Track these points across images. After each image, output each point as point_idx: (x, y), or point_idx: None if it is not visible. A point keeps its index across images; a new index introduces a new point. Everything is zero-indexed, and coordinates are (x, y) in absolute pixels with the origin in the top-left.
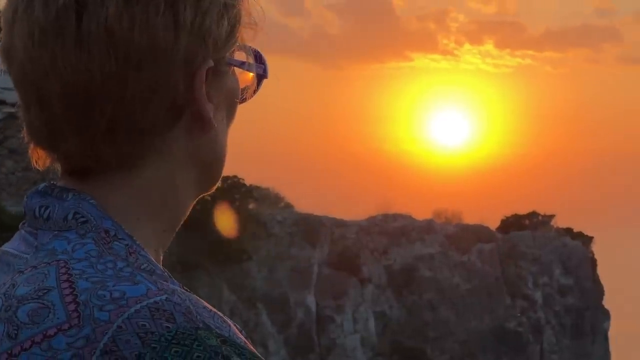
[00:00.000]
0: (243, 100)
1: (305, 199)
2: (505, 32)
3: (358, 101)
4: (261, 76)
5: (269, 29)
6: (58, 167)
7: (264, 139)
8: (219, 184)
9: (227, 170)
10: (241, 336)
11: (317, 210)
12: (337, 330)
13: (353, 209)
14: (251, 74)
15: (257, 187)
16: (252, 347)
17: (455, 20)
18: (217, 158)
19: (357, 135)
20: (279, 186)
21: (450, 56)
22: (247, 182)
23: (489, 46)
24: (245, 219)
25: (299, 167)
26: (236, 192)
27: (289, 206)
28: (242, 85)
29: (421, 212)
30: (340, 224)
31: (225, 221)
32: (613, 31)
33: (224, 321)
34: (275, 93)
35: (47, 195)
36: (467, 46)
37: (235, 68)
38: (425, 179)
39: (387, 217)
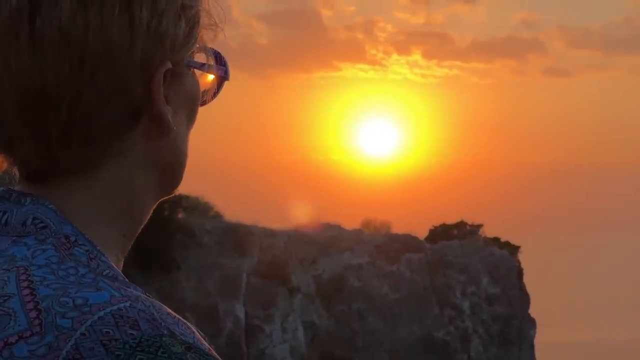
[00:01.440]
0: (204, 103)
1: (235, 208)
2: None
3: (287, 111)
4: (222, 78)
5: None
6: (15, 171)
7: (193, 147)
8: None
9: None
10: (205, 343)
11: (247, 220)
12: (266, 340)
13: (282, 218)
14: (212, 76)
15: (186, 197)
16: (216, 354)
17: (383, 30)
18: (177, 161)
19: (286, 145)
20: (208, 195)
21: (379, 66)
22: (176, 191)
23: (416, 56)
24: (174, 228)
25: (229, 176)
26: (165, 201)
27: (218, 215)
28: (203, 88)
29: (350, 222)
30: (270, 233)
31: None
32: (538, 43)
33: (188, 328)
34: None
35: (5, 201)
36: (395, 56)
37: (196, 70)
38: (354, 189)
39: (316, 227)
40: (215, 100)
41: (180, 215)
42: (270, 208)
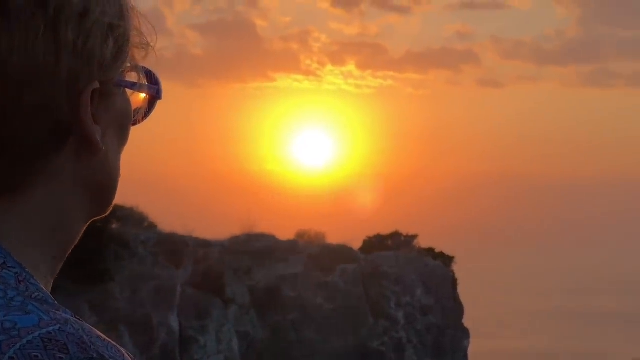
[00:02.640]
0: (135, 122)
1: (169, 219)
2: (367, 54)
3: (221, 121)
4: (154, 97)
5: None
6: None
7: (127, 157)
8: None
9: None
10: None
11: (181, 230)
12: (200, 351)
13: (217, 228)
14: (143, 95)
15: (121, 207)
16: None
17: (318, 40)
18: (108, 181)
19: (221, 155)
20: (142, 205)
21: (313, 77)
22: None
23: (351, 67)
24: (107, 238)
25: (163, 186)
26: None
27: (152, 226)
28: (134, 107)
29: (285, 232)
30: (204, 244)
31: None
32: (472, 54)
33: (118, 350)
34: None
35: None
36: (329, 67)
37: (128, 89)
38: (289, 199)
39: (250, 237)
40: (155, 110)
41: (114, 226)
42: (205, 218)
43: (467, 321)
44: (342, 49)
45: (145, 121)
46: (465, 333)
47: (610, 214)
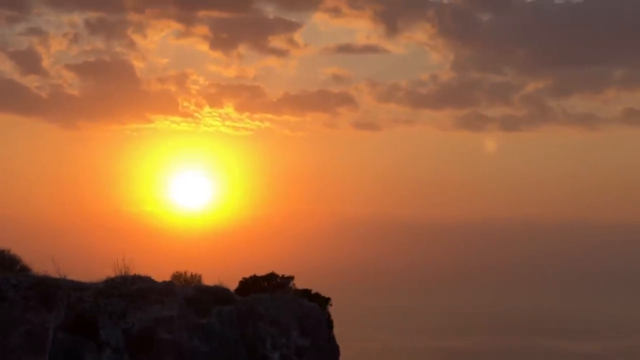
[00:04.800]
0: None
1: (42, 261)
2: (245, 96)
3: (99, 162)
4: None
5: (2, 86)
6: None
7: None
8: None
9: None
10: None
11: (54, 273)
12: None
13: (91, 271)
14: None
15: None
16: None
17: (196, 83)
18: None
19: (98, 196)
20: (15, 248)
21: (191, 118)
22: None
23: (229, 109)
24: None
25: (36, 228)
26: None
27: (24, 269)
28: None
29: (161, 274)
30: (78, 286)
31: None
32: (348, 97)
33: None
34: (10, 153)
35: None
36: (207, 109)
37: None
38: (166, 240)
39: (125, 279)
40: (24, 150)
41: None
42: (80, 260)
43: None
44: (220, 91)
45: (19, 163)
46: None
47: (483, 253)
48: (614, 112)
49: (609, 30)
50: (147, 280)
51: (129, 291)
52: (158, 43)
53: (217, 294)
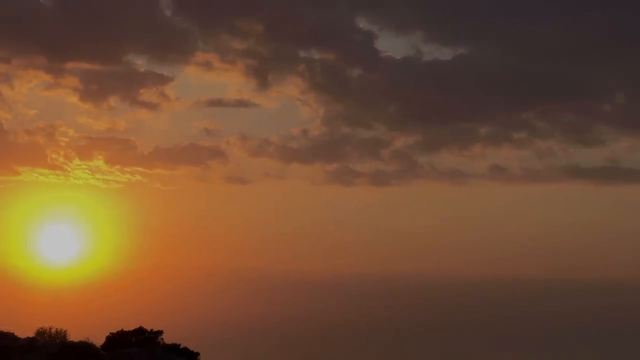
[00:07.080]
0: None
1: None
2: (115, 149)
3: None
4: None
5: None
6: None
7: None
8: None
9: None
10: None
11: None
12: None
13: None
14: None
15: None
16: None
17: (65, 135)
18: None
19: None
20: None
21: (60, 171)
22: None
23: (99, 162)
24: None
25: None
26: None
27: None
28: None
29: (24, 330)
30: None
31: None
32: (219, 151)
33: None
34: None
35: None
36: (76, 161)
37: None
38: (32, 295)
39: None
40: None
41: None
42: None
43: None
44: (90, 144)
45: None
46: None
47: (348, 308)
48: (479, 168)
49: (476, 88)
50: (8, 337)
51: None
52: (26, 94)
53: (82, 350)
